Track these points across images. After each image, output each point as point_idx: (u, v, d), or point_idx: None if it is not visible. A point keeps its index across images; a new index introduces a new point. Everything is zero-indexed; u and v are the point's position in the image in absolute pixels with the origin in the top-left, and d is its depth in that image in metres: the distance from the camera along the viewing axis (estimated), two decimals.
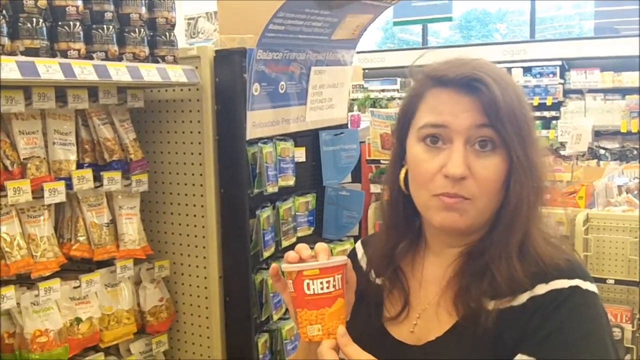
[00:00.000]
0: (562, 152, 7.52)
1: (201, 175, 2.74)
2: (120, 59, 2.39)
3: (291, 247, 2.79)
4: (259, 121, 2.72)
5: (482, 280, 1.32)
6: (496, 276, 1.30)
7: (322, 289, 1.27)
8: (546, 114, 12.25)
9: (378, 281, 1.52)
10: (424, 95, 1.40)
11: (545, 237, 1.36)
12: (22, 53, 2.08)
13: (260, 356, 2.84)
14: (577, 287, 1.27)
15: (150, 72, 2.42)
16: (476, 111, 1.31)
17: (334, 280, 1.27)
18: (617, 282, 3.83)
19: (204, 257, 2.78)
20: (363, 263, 1.58)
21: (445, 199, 1.32)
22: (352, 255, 1.63)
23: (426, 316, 1.42)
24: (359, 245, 1.68)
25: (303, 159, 3.15)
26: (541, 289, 1.28)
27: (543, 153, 1.39)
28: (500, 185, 1.32)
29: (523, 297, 1.29)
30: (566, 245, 1.39)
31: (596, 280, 1.37)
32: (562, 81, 12.54)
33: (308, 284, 1.27)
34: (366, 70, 13.01)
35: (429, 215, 1.37)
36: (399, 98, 12.26)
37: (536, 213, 1.36)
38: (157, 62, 2.54)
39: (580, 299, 1.27)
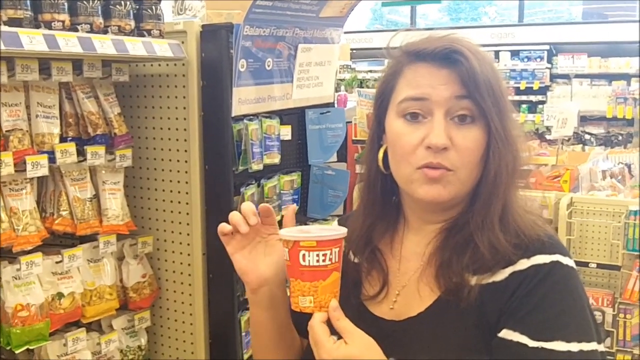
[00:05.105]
0: (547, 136, 7.55)
1: (186, 151, 2.72)
2: (105, 32, 2.36)
3: None
4: (245, 98, 2.70)
5: (464, 253, 1.34)
6: (479, 246, 1.32)
7: (317, 261, 1.25)
8: (532, 98, 12.29)
9: (356, 260, 1.52)
10: (402, 71, 1.41)
11: (524, 207, 1.39)
12: (5, 23, 2.04)
13: (243, 334, 2.84)
14: (557, 262, 1.30)
15: (135, 46, 2.40)
16: (455, 83, 1.33)
17: (331, 254, 1.26)
18: (599, 266, 3.87)
19: (188, 234, 2.77)
20: None
21: (428, 171, 1.33)
22: None
23: (406, 293, 1.43)
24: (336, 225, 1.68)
25: (289, 137, 3.13)
26: (523, 264, 1.30)
27: (517, 125, 1.42)
28: (480, 157, 1.34)
29: (505, 272, 1.31)
30: (541, 221, 1.40)
31: (578, 264, 1.40)
32: (549, 65, 12.56)
33: (304, 255, 1.26)
34: (354, 51, 12.96)
35: (412, 189, 1.37)
36: None
37: (514, 183, 1.38)
38: (143, 35, 2.50)
39: (561, 273, 1.30)
